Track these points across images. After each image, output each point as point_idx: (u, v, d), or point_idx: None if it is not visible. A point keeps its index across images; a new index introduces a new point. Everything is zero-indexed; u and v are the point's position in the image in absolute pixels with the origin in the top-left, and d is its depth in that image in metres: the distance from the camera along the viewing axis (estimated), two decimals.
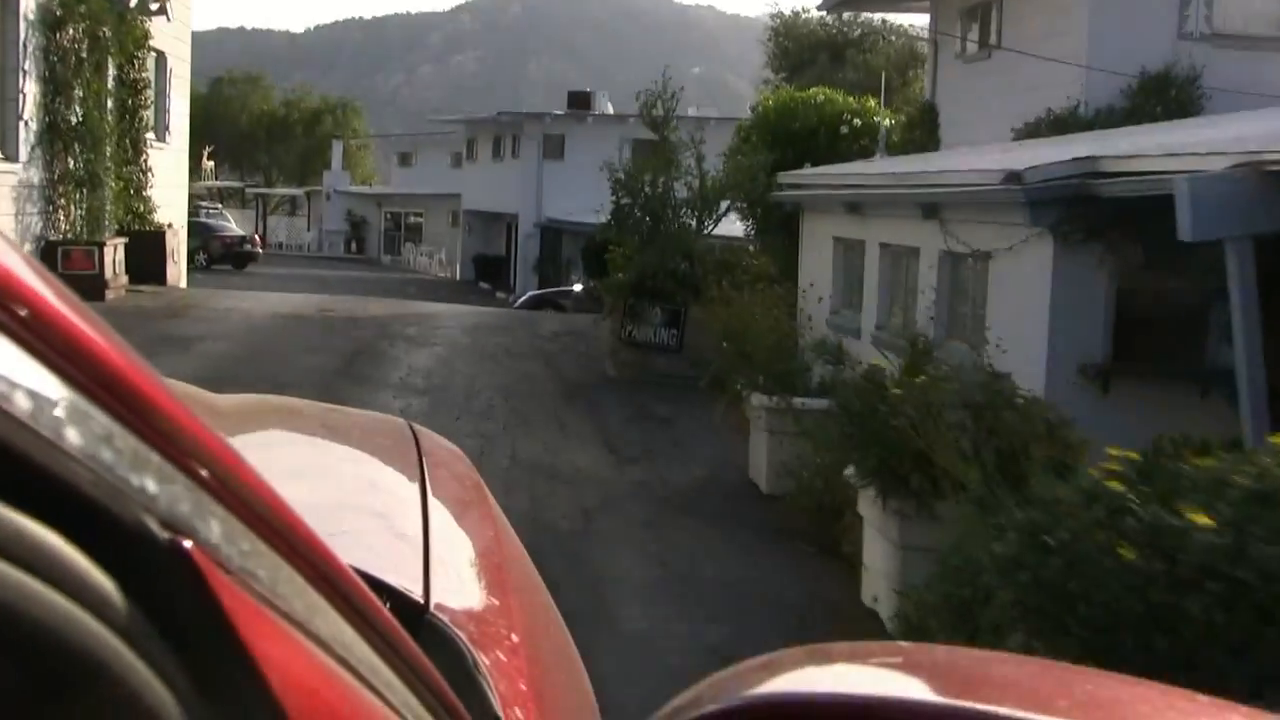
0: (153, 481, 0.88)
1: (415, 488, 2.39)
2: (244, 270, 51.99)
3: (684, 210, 20.46)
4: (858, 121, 27.61)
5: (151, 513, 0.88)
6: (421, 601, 1.84)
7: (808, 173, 19.77)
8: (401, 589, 1.83)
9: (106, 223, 22.70)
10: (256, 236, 55.54)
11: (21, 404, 0.77)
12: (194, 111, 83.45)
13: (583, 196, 52.91)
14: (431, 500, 2.32)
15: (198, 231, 53.40)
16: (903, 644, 2.84)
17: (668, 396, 17.39)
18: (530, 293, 31.81)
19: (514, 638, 1.98)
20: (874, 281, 15.12)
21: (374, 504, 2.38)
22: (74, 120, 21.53)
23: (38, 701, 0.78)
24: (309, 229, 74.45)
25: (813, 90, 28.47)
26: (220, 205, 69.75)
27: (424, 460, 2.56)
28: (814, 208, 18.18)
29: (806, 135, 27.68)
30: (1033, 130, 19.74)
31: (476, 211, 58.50)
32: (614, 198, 20.59)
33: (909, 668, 1.65)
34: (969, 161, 14.31)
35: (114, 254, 21.94)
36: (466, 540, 2.37)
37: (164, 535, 0.88)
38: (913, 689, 1.55)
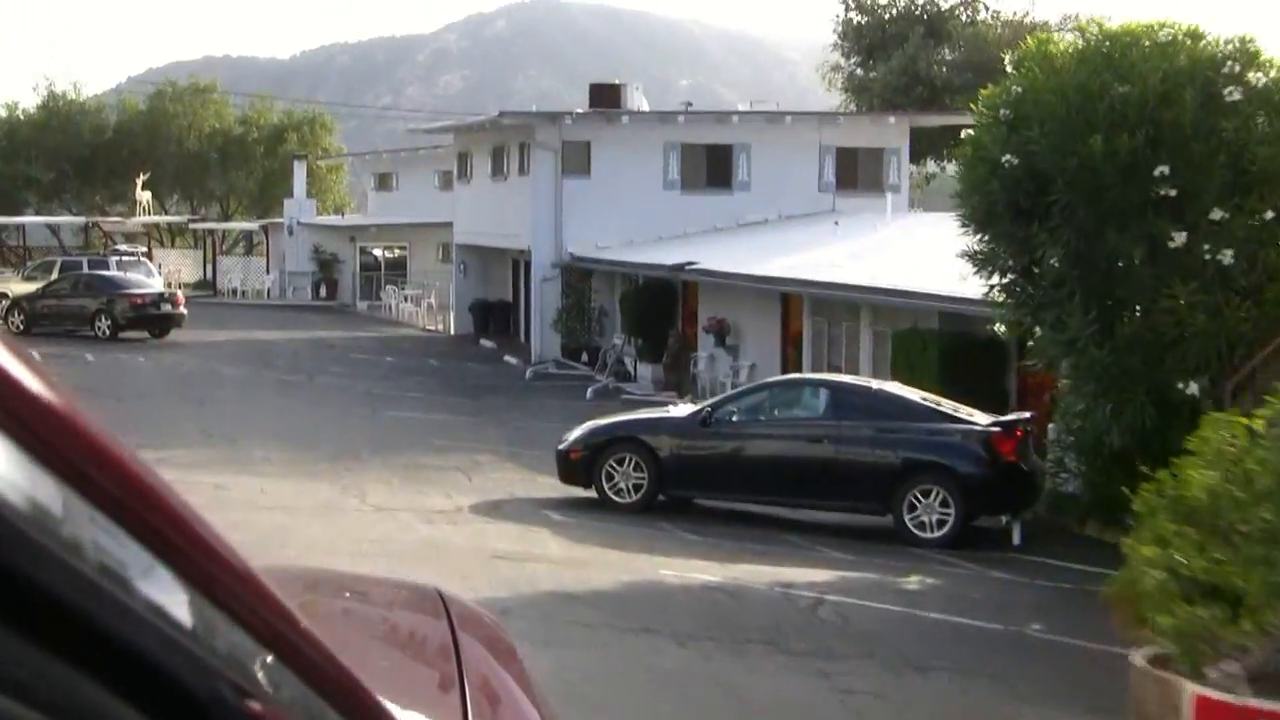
0: (224, 645, 0.87)
1: (450, 656, 2.32)
2: (164, 338, 38.05)
3: None
4: (1256, 77, 13.46)
5: (223, 679, 0.86)
6: None
7: None
8: None
9: None
10: (179, 294, 41.29)
11: (89, 559, 0.75)
12: (134, 129, 70.69)
13: (618, 223, 38.17)
14: (467, 668, 2.26)
15: (97, 288, 39.87)
16: None
17: None
18: (590, 425, 17.66)
19: None
20: None
21: (408, 673, 2.35)
22: None
23: None
24: (268, 270, 60.67)
25: (1153, 21, 14.45)
26: (143, 248, 55.81)
27: (456, 628, 2.47)
28: None
29: (1150, 105, 13.60)
30: None
31: (473, 246, 44.99)
32: None
33: None
34: None
35: None
36: (505, 707, 2.36)
37: (235, 701, 0.87)
38: None
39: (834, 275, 26.27)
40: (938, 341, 21.99)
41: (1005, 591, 12.79)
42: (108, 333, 37.80)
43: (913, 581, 12.94)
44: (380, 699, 1.17)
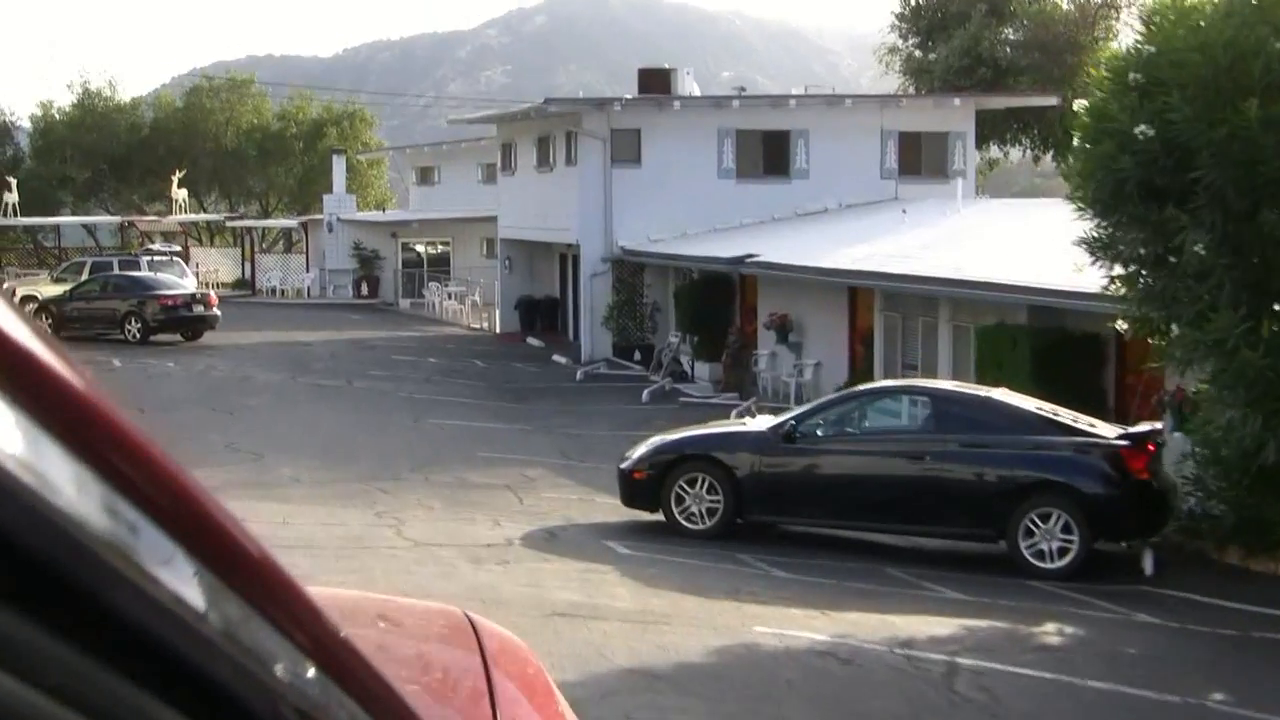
0: (285, 667, 0.89)
1: (484, 699, 2.17)
2: (197, 341, 36.42)
3: None
4: None
5: (284, 699, 0.88)
6: None
7: None
8: None
9: None
10: (212, 295, 39.50)
11: (164, 582, 0.77)
12: (171, 126, 69.37)
13: (670, 214, 34.93)
14: (499, 698, 2.15)
15: (127, 289, 38.18)
16: None
17: None
18: (656, 440, 15.74)
19: None
20: None
21: (439, 705, 2.20)
22: None
23: None
24: (308, 269, 59.05)
25: None
26: (178, 247, 54.16)
27: (487, 656, 2.33)
28: None
29: None
30: None
31: (518, 240, 43.10)
32: None
33: None
34: None
35: None
36: None
37: None
38: None
39: (908, 267, 24.23)
40: (1029, 338, 19.99)
41: (1162, 643, 10.74)
42: (138, 336, 36.20)
43: (1051, 632, 10.91)
44: None
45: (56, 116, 71.04)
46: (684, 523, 14.79)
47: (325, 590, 2.60)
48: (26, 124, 72.49)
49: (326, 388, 28.70)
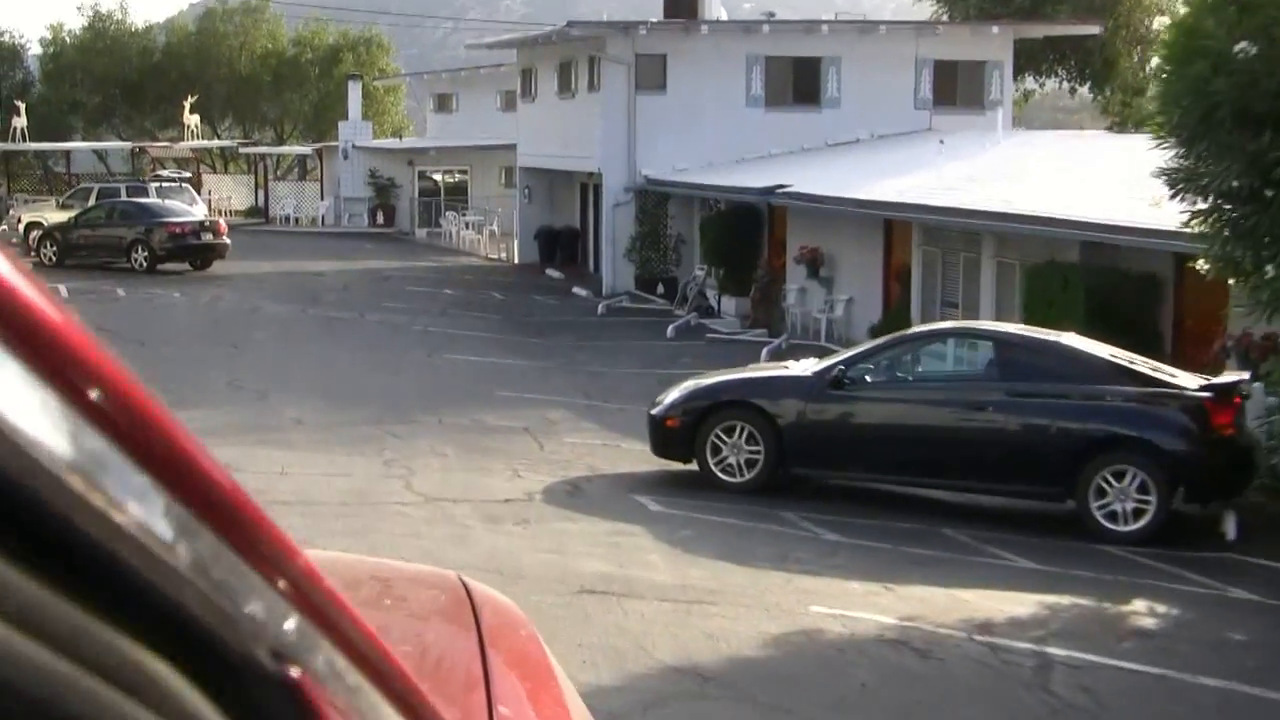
0: (260, 608, 0.87)
1: (475, 650, 2.14)
2: (205, 270, 35.17)
3: None
4: None
5: (260, 641, 0.87)
6: None
7: None
8: None
9: None
10: (221, 222, 38.17)
11: (132, 514, 0.76)
12: (183, 51, 67.98)
13: (696, 144, 33.85)
14: (492, 663, 2.10)
15: (134, 217, 36.91)
16: None
17: None
18: (690, 385, 14.44)
19: None
20: None
21: (431, 667, 2.10)
22: None
23: None
24: (322, 197, 57.78)
25: None
26: (189, 174, 52.91)
27: (480, 620, 2.27)
28: None
29: None
30: None
31: (538, 169, 41.77)
32: None
33: None
34: None
35: None
36: (531, 704, 2.20)
37: (273, 665, 0.87)
38: None
39: (952, 199, 22.89)
40: (1082, 278, 18.67)
41: (1269, 627, 9.51)
42: (145, 264, 34.98)
43: (1143, 613, 9.71)
44: (415, 678, 1.10)
45: (67, 40, 69.60)
46: (720, 475, 13.57)
47: (311, 552, 2.11)
48: (36, 48, 71.13)
49: (338, 320, 27.55)
